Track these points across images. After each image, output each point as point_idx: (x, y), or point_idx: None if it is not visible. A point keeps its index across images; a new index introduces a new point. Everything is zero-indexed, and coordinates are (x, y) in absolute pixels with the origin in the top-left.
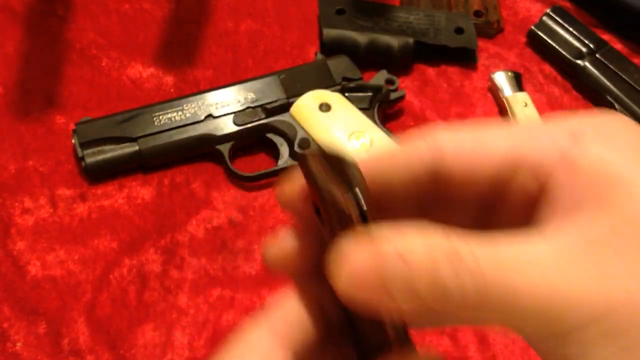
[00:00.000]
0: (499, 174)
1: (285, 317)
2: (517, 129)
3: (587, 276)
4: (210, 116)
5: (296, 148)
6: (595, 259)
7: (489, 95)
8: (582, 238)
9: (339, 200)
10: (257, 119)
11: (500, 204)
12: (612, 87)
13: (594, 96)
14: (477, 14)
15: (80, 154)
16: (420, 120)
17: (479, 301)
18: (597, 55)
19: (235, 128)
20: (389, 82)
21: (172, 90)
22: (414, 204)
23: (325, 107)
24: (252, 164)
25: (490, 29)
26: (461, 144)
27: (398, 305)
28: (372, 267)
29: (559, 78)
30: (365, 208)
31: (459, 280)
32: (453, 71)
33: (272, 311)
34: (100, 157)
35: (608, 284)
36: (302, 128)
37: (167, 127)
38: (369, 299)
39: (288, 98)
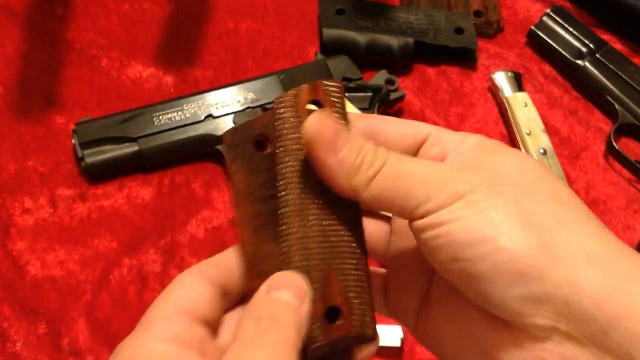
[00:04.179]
0: (420, 141)
1: (210, 262)
2: (438, 128)
3: (457, 167)
4: (210, 116)
5: None
6: (460, 165)
7: (489, 95)
8: (455, 160)
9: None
10: None
11: None
12: (612, 87)
13: (594, 96)
14: (477, 14)
15: (80, 154)
16: (420, 120)
17: (383, 172)
18: (597, 55)
19: None
20: (389, 82)
21: (172, 90)
22: None
23: None
24: None
25: (490, 29)
26: (399, 120)
27: (332, 158)
28: (333, 131)
29: (559, 78)
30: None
31: (377, 154)
32: (453, 71)
33: (200, 263)
34: (100, 157)
35: (470, 170)
36: None
37: (167, 127)
38: (322, 145)
39: None
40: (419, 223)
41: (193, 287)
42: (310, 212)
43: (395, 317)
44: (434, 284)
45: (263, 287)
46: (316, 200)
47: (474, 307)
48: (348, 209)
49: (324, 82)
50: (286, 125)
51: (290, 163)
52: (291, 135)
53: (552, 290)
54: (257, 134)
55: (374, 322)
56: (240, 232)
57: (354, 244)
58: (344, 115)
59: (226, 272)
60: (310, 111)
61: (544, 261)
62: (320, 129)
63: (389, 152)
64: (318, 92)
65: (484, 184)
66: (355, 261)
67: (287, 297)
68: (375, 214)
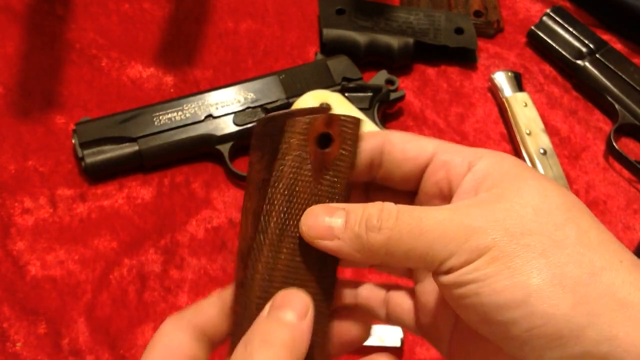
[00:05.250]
0: (422, 164)
1: (196, 310)
2: (443, 145)
3: (476, 215)
4: (210, 116)
5: None
6: (479, 211)
7: (489, 95)
8: (470, 201)
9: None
10: (257, 119)
11: (420, 195)
12: (611, 87)
13: (594, 96)
14: (477, 14)
15: (80, 154)
16: (420, 120)
17: (395, 233)
18: (597, 55)
19: (235, 128)
20: (389, 82)
21: (172, 90)
22: (361, 189)
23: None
24: None
25: (490, 29)
26: (404, 138)
27: (339, 241)
28: (326, 221)
29: (559, 78)
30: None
31: (382, 215)
32: (453, 71)
33: (185, 310)
34: (100, 157)
35: (491, 220)
36: None
37: (167, 127)
38: (322, 238)
39: (288, 98)
40: (444, 279)
41: (172, 336)
42: (284, 246)
43: (429, 339)
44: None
45: (267, 307)
46: (293, 235)
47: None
48: (323, 254)
49: (342, 117)
50: (290, 152)
51: (280, 190)
52: (291, 163)
53: (592, 350)
54: (325, 131)
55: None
56: (242, 222)
57: (319, 290)
58: (352, 155)
59: (206, 317)
60: (318, 145)
61: (580, 321)
62: (311, 224)
63: (397, 208)
64: (333, 126)
65: (507, 236)
66: (319, 304)
67: (286, 315)
68: None
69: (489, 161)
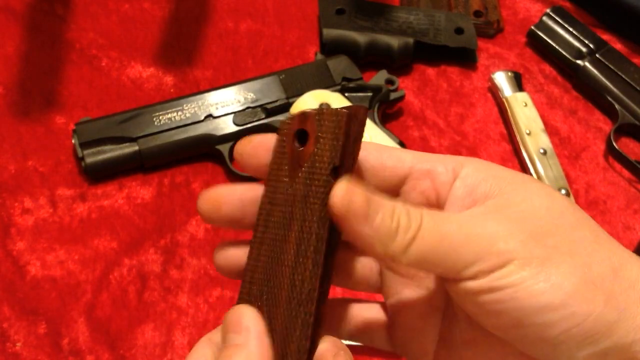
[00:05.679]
0: (402, 174)
1: (218, 330)
2: (420, 155)
3: (496, 220)
4: (210, 116)
5: None
6: (497, 217)
7: (489, 95)
8: (483, 209)
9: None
10: (257, 119)
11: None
12: (611, 87)
13: (594, 96)
14: (477, 14)
15: (80, 154)
16: (420, 120)
17: (418, 236)
18: (597, 55)
19: (235, 128)
20: (389, 82)
21: (172, 90)
22: None
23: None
24: None
25: (490, 29)
26: (380, 148)
27: (367, 228)
28: (364, 200)
29: (559, 78)
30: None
31: (410, 216)
32: (453, 71)
33: (209, 333)
34: (100, 157)
35: (512, 225)
36: None
37: (167, 127)
38: (355, 218)
39: (288, 98)
40: (470, 285)
41: (205, 356)
42: (266, 244)
43: (408, 356)
44: (457, 327)
45: (223, 332)
46: (278, 236)
47: (514, 354)
48: (314, 253)
49: (319, 112)
50: (275, 150)
51: (265, 190)
52: (274, 161)
53: (620, 342)
54: (300, 128)
55: None
56: (258, 215)
57: (303, 290)
58: (332, 150)
59: None
60: (296, 142)
61: (611, 317)
62: (350, 200)
63: (422, 210)
64: (308, 122)
65: (532, 239)
66: (293, 308)
67: (235, 339)
68: (357, 251)
69: (473, 167)
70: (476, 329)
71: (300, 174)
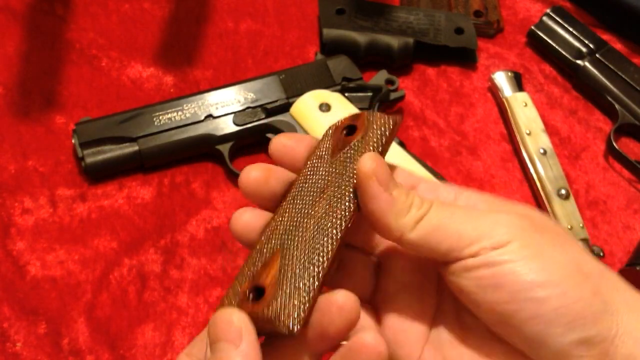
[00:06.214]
0: (411, 186)
1: (195, 342)
2: (425, 181)
3: (499, 209)
4: (210, 116)
5: None
6: (501, 208)
7: (489, 95)
8: (482, 206)
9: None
10: (257, 119)
11: None
12: (611, 87)
13: (594, 96)
14: (477, 14)
15: (80, 154)
16: (420, 120)
17: (427, 215)
18: (597, 55)
19: (235, 128)
20: (389, 82)
21: (172, 90)
22: None
23: (325, 107)
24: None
25: (490, 29)
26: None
27: (385, 195)
28: (387, 171)
29: (559, 78)
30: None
31: (422, 199)
32: (453, 71)
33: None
34: (100, 157)
35: (515, 214)
36: (302, 128)
37: (167, 127)
38: (377, 182)
39: (288, 98)
40: (471, 262)
41: None
42: (295, 205)
43: (393, 356)
44: (445, 327)
45: (211, 338)
46: (308, 199)
47: (502, 349)
48: (335, 233)
49: (372, 112)
50: (321, 140)
51: (303, 170)
52: (319, 146)
53: (604, 333)
54: (348, 124)
55: (298, 319)
56: (289, 189)
57: (320, 247)
58: (375, 142)
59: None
60: (343, 133)
61: (598, 307)
62: (377, 165)
63: (433, 199)
64: (359, 119)
65: (532, 227)
66: (314, 258)
67: (222, 347)
68: (358, 251)
69: (471, 193)
70: (465, 328)
71: (340, 156)
